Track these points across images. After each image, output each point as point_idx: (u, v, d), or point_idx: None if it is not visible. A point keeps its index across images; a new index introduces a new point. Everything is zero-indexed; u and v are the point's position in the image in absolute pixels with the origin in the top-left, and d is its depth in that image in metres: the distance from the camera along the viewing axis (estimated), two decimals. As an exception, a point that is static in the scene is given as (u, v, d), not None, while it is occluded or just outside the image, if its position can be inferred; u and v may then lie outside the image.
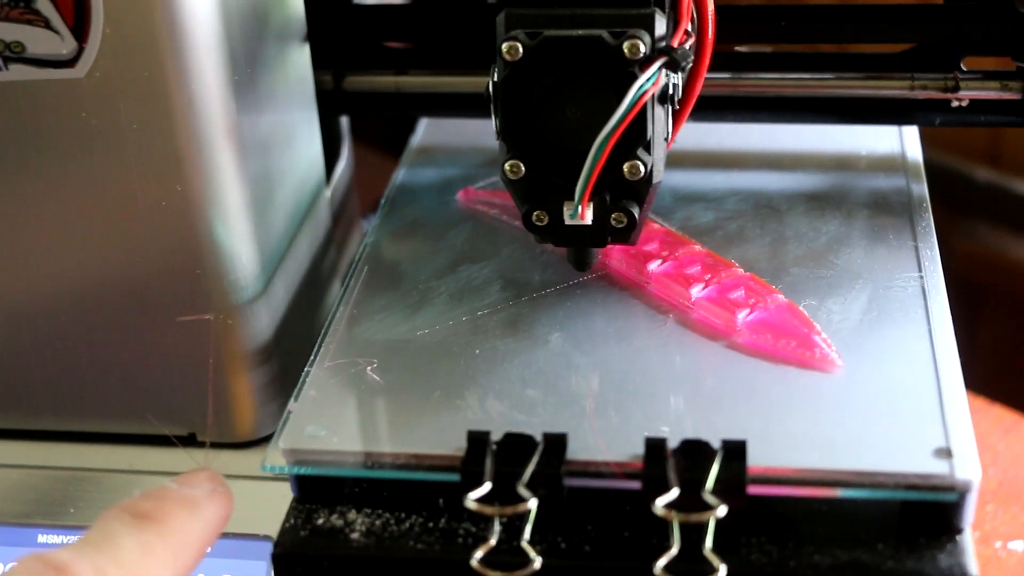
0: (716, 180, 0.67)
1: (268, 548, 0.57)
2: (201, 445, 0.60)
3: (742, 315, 0.56)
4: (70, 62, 0.52)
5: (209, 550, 0.48)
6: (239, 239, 0.57)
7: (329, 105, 0.67)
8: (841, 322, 0.55)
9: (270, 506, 0.58)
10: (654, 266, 0.59)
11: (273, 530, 0.57)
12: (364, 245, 0.63)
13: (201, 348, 0.58)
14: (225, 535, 0.57)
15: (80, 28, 0.51)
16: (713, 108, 0.65)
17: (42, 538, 0.59)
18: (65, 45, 0.52)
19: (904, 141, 0.70)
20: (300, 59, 0.64)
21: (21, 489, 0.61)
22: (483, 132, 0.72)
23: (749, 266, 0.59)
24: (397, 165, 0.71)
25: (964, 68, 0.65)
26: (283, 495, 0.58)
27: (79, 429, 0.62)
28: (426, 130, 0.74)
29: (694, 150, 0.68)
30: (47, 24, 0.52)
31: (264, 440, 0.61)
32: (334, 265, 0.70)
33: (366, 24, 0.68)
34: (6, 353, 0.60)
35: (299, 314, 0.64)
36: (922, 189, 0.65)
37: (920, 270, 0.58)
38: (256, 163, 0.58)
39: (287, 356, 0.62)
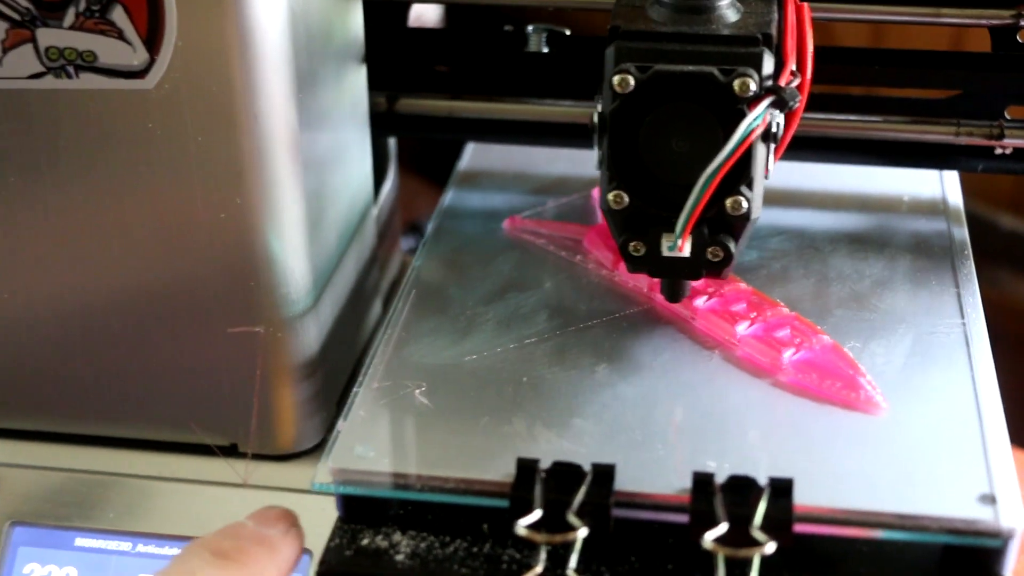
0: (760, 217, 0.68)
1: (306, 561, 0.58)
2: (242, 456, 0.61)
3: (788, 354, 0.56)
4: (140, 73, 0.53)
5: None
6: (293, 253, 0.58)
7: (381, 126, 0.68)
8: (885, 365, 0.56)
9: (310, 519, 0.58)
10: (700, 302, 0.59)
11: (312, 544, 0.58)
12: (412, 268, 0.64)
13: (248, 359, 0.59)
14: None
15: (153, 40, 0.52)
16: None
17: (79, 541, 0.60)
18: (137, 56, 0.53)
19: (945, 185, 0.71)
20: (357, 80, 0.65)
21: (61, 492, 0.61)
22: (529, 159, 0.73)
23: (793, 306, 0.59)
24: (444, 189, 0.72)
25: (1008, 116, 0.66)
26: (322, 509, 0.58)
27: (121, 435, 0.63)
28: (473, 155, 0.75)
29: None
30: (120, 35, 0.52)
31: (305, 453, 0.62)
32: (377, 284, 0.71)
33: (420, 48, 0.69)
34: (56, 356, 0.60)
35: (343, 330, 0.64)
36: (963, 233, 0.66)
37: (962, 316, 0.59)
38: (313, 179, 0.58)
39: (331, 371, 0.63)
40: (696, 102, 0.52)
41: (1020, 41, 0.64)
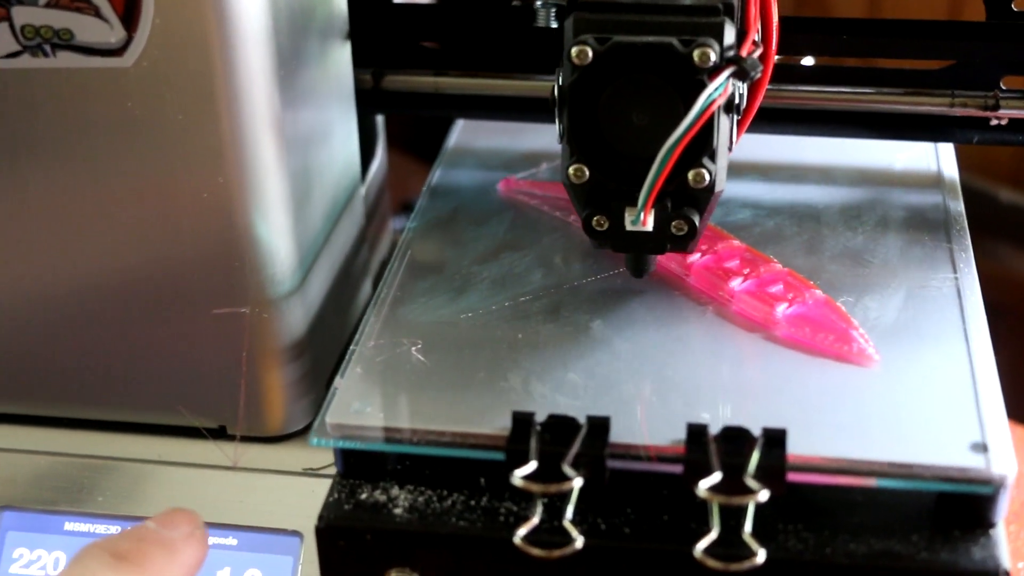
0: (753, 189, 0.67)
1: (296, 543, 0.58)
2: (231, 438, 0.60)
3: (781, 308, 0.56)
4: (118, 51, 0.52)
5: None
6: (278, 233, 0.57)
7: (367, 103, 0.68)
8: (877, 318, 0.56)
9: (298, 501, 0.58)
10: (694, 258, 0.60)
11: (300, 525, 0.58)
12: (407, 230, 0.64)
13: (235, 341, 0.58)
14: (253, 529, 0.58)
15: (130, 17, 0.51)
16: (753, 118, 0.65)
17: (68, 525, 0.59)
18: (114, 34, 0.52)
19: (940, 158, 0.70)
20: (341, 56, 0.64)
21: (49, 476, 0.61)
22: (519, 134, 0.73)
23: (786, 262, 0.60)
24: (432, 166, 0.71)
25: (1003, 87, 0.65)
26: (311, 491, 0.58)
27: (109, 418, 0.62)
28: (462, 131, 0.75)
29: (732, 159, 0.68)
30: (97, 12, 0.52)
31: (294, 435, 0.62)
32: (366, 263, 0.70)
33: (406, 24, 0.68)
34: (39, 339, 0.60)
35: (332, 311, 0.64)
36: (959, 206, 0.65)
37: (955, 271, 0.59)
38: (297, 158, 0.58)
39: (319, 352, 0.62)
40: (656, 74, 0.51)
41: (1015, 9, 0.63)
